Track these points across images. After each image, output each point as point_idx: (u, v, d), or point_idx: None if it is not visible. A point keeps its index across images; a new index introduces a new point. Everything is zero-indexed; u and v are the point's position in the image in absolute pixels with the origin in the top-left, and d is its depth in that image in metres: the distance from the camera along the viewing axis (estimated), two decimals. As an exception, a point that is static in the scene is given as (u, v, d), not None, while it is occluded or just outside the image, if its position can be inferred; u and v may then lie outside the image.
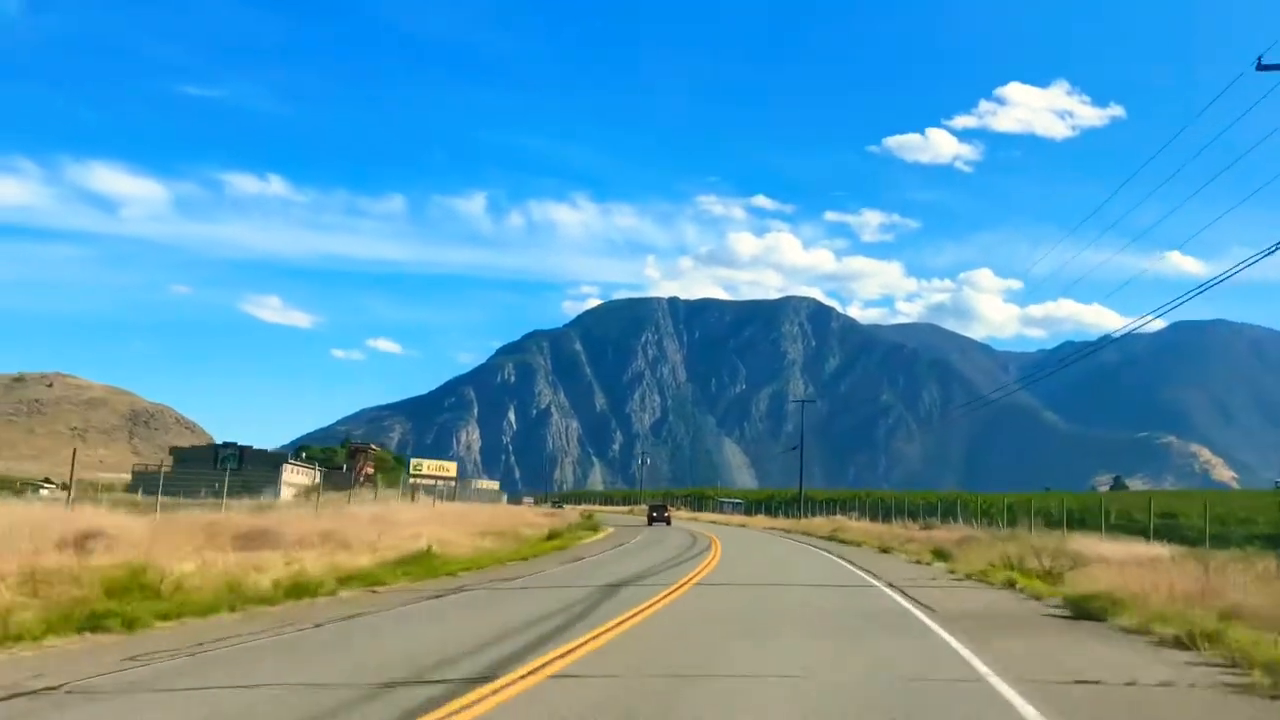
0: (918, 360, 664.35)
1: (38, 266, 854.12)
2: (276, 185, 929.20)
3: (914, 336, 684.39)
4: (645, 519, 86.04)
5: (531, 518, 59.57)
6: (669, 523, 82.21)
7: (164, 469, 59.53)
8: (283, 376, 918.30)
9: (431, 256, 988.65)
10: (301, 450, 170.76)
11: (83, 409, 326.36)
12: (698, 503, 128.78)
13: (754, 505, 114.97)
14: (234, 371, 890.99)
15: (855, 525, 62.45)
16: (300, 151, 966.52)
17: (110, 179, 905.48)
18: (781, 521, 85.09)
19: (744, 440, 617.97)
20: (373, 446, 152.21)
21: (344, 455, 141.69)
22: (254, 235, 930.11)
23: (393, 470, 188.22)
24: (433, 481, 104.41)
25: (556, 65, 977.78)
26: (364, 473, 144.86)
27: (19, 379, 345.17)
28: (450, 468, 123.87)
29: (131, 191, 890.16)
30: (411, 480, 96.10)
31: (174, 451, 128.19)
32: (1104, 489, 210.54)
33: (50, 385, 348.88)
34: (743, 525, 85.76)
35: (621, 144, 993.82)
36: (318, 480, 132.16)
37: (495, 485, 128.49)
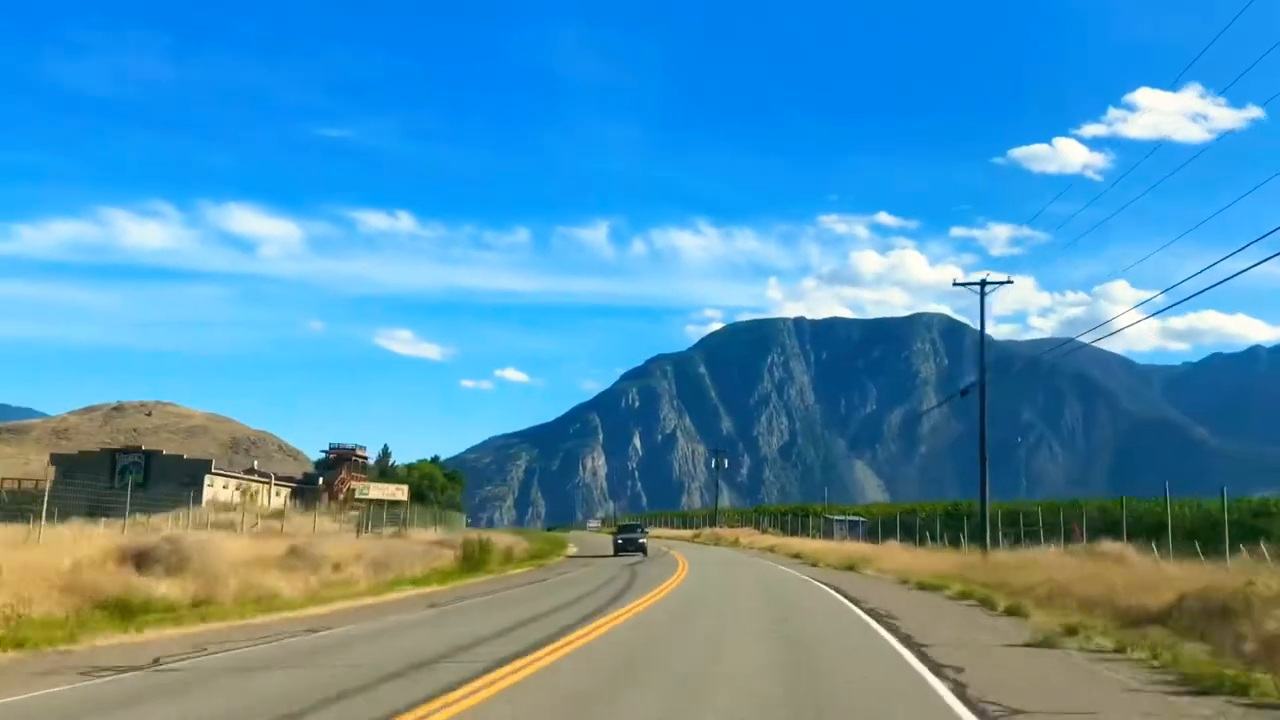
0: (1057, 375, 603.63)
1: (182, 307, 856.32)
2: (405, 221, 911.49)
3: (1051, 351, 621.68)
4: (673, 549, 58.34)
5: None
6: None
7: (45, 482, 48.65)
8: (415, 407, 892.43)
9: (556, 286, 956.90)
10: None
11: (181, 437, 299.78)
12: (798, 524, 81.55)
13: (886, 526, 63.47)
14: (367, 403, 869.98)
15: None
16: (427, 188, 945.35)
17: (247, 220, 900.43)
18: (956, 559, 36.95)
19: (876, 462, 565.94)
20: (359, 453, 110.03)
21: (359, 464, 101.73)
22: (385, 270, 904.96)
23: (439, 486, 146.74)
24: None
25: (672, 93, 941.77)
26: (346, 486, 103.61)
27: (118, 408, 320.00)
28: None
29: (268, 231, 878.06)
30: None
31: (57, 461, 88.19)
32: None
33: (149, 414, 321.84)
34: (849, 569, 40.90)
35: (740, 168, 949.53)
36: (279, 496, 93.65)
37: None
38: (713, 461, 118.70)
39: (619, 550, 57.68)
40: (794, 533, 74.23)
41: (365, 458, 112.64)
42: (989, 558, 32.59)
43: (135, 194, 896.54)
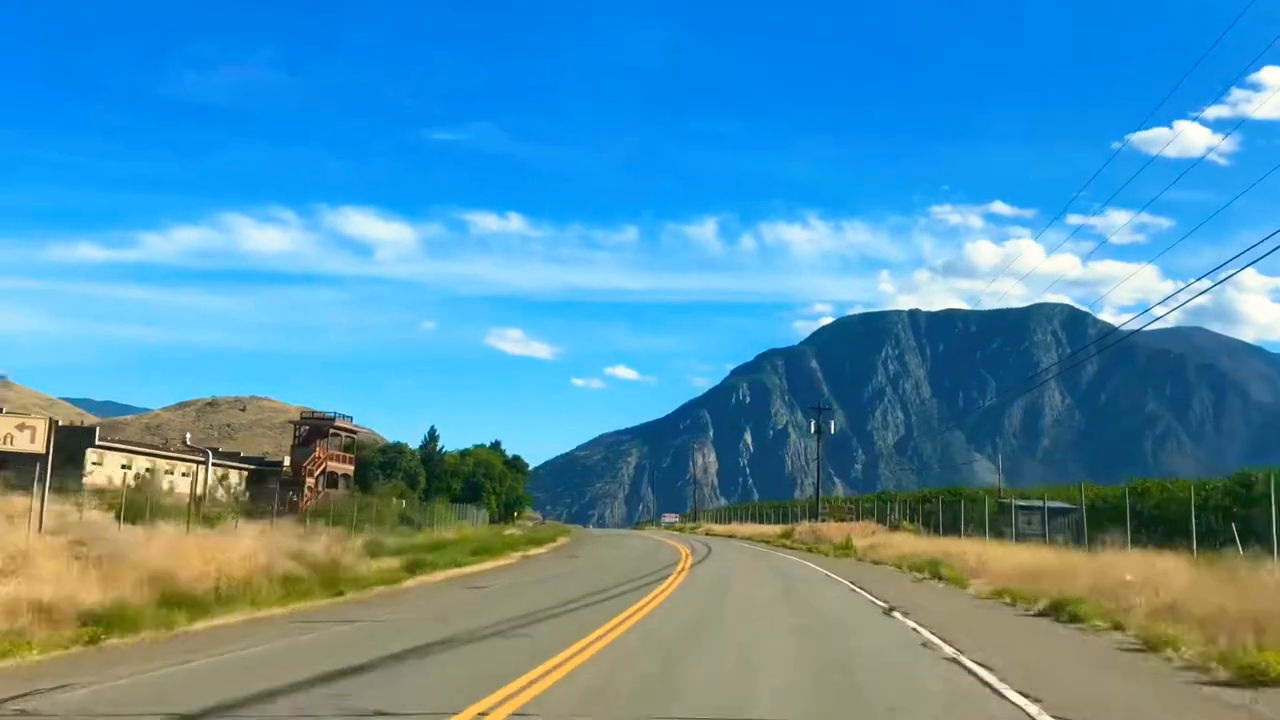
0: (1185, 366, 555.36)
1: (300, 310, 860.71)
2: (516, 222, 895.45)
3: (1179, 341, 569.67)
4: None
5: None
6: None
7: None
8: (525, 406, 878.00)
9: (665, 284, 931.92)
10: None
11: (275, 432, 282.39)
12: (951, 518, 47.11)
13: (1106, 516, 32.69)
14: (477, 402, 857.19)
15: None
16: (537, 189, 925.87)
17: (364, 224, 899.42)
18: None
19: (996, 457, 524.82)
20: (341, 421, 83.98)
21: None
22: (496, 271, 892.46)
23: (497, 475, 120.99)
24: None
25: (780, 86, 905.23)
26: (321, 467, 78.08)
27: (212, 403, 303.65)
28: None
29: (384, 235, 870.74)
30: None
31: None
32: None
33: (244, 409, 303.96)
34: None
35: (850, 159, 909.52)
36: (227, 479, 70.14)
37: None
38: (813, 430, 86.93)
39: None
40: (944, 532, 44.92)
41: (352, 430, 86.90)
42: None
43: (256, 200, 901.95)
